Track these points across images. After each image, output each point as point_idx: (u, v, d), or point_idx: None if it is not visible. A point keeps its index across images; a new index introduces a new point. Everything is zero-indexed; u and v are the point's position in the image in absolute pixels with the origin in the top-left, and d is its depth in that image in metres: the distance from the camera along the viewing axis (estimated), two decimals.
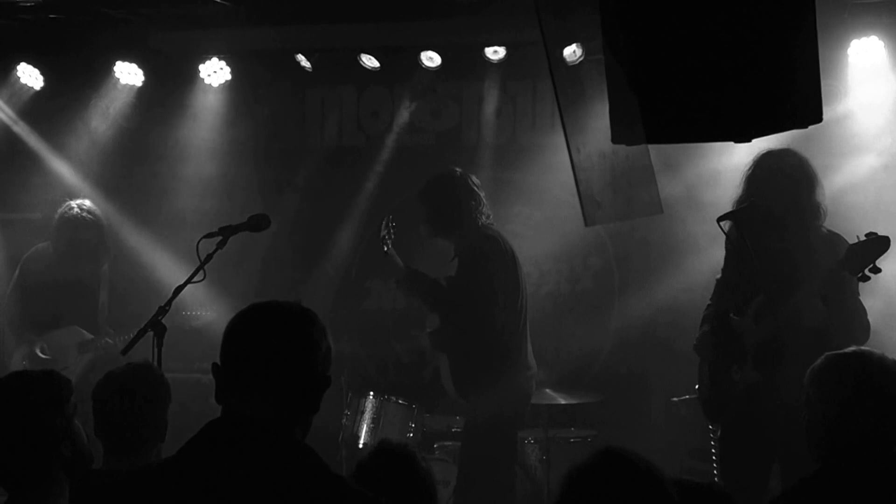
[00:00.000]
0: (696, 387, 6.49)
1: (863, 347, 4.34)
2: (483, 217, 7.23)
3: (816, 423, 4.12)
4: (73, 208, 8.31)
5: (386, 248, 7.25)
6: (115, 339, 8.00)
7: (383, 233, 7.29)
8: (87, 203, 8.39)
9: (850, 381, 4.07)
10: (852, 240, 5.75)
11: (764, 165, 6.14)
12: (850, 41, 7.91)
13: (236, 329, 3.34)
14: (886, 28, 7.92)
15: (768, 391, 5.98)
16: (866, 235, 5.65)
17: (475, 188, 7.25)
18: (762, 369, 6.02)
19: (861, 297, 6.02)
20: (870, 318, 6.05)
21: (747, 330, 6.04)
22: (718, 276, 6.49)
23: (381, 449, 4.12)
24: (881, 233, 5.67)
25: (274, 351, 3.28)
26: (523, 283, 7.29)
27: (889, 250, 5.63)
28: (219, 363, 3.33)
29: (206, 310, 8.08)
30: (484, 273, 7.07)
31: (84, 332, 8.23)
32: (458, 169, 7.34)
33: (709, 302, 6.52)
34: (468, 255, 7.15)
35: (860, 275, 5.66)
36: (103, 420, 4.57)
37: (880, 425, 4.01)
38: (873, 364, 4.10)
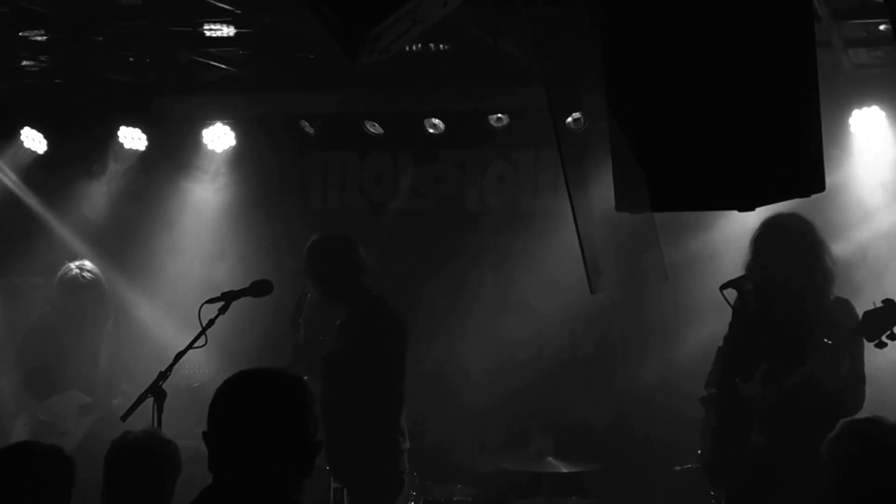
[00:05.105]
0: (699, 452, 6.45)
1: (878, 415, 4.33)
2: (368, 282, 7.04)
3: (832, 489, 4.10)
4: (72, 269, 8.35)
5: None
6: (111, 402, 7.98)
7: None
8: (88, 264, 8.42)
9: (866, 447, 4.06)
10: (864, 306, 5.74)
11: (773, 231, 6.14)
12: (852, 111, 7.97)
13: (226, 395, 3.33)
14: (887, 98, 7.98)
15: (775, 457, 5.95)
16: (882, 302, 5.63)
17: (361, 253, 7.08)
18: (769, 435, 6.00)
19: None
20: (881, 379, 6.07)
21: (754, 396, 6.02)
22: (721, 343, 6.48)
23: None
24: None
25: (265, 416, 3.27)
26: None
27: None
28: (207, 430, 3.33)
29: (206, 368, 8.05)
30: (389, 344, 6.89)
31: (83, 395, 8.20)
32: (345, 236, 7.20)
33: (711, 367, 6.50)
34: (369, 324, 6.91)
35: (877, 342, 5.63)
36: (113, 486, 4.55)
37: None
38: (889, 431, 4.09)
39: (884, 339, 5.62)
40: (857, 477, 4.04)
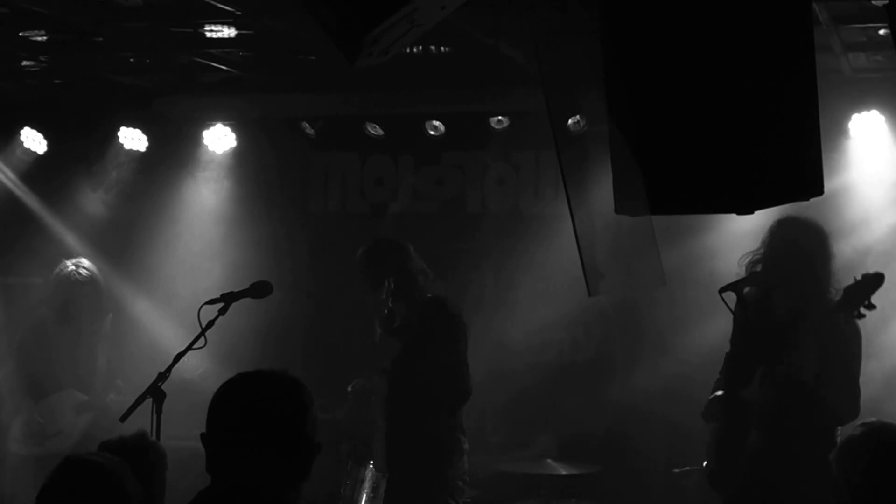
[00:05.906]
0: (704, 464, 6.45)
1: (884, 420, 4.35)
2: (422, 284, 7.15)
3: (845, 493, 4.10)
4: (68, 267, 8.31)
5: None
6: (109, 396, 7.97)
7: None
8: (84, 262, 8.38)
9: (882, 449, 4.06)
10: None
11: (789, 228, 6.16)
12: (851, 115, 7.98)
13: (224, 398, 3.34)
14: (887, 102, 7.99)
15: (772, 459, 5.96)
16: (861, 276, 5.69)
17: (414, 257, 7.20)
18: (765, 436, 6.00)
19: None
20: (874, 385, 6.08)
21: (753, 399, 6.03)
22: (727, 349, 6.48)
23: None
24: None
25: (263, 418, 3.28)
26: None
27: (883, 285, 5.66)
28: (206, 432, 3.34)
29: (205, 367, 8.04)
30: (450, 334, 7.03)
31: (80, 394, 8.19)
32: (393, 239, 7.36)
33: (718, 375, 6.49)
34: (426, 326, 7.05)
35: (856, 312, 5.69)
36: None
37: None
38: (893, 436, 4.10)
39: (862, 309, 5.68)
40: (874, 479, 4.04)
